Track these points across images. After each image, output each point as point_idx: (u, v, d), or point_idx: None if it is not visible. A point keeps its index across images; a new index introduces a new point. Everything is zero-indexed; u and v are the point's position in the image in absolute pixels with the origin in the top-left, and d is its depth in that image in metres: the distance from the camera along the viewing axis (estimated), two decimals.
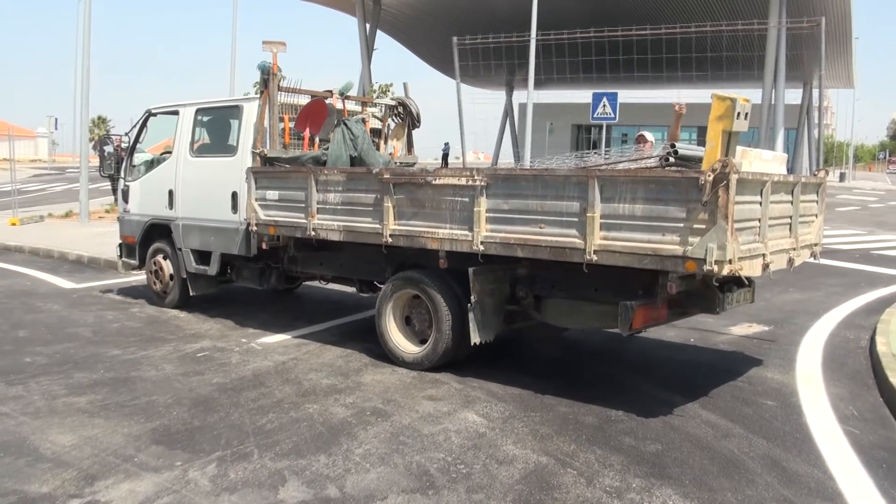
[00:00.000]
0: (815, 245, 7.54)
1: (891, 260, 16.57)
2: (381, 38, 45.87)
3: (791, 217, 6.86)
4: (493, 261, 7.11)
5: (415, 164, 10.56)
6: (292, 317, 10.07)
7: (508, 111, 57.80)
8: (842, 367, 8.02)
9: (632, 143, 8.29)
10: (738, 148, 6.25)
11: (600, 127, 22.93)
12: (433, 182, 7.22)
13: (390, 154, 10.42)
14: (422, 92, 11.06)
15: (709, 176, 5.54)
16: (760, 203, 6.16)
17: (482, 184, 6.81)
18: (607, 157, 8.11)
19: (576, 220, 6.29)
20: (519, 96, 51.93)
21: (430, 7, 42.53)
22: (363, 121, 9.70)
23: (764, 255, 6.26)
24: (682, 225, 5.77)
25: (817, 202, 7.56)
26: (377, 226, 7.67)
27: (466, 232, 6.98)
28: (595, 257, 6.20)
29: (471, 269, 7.10)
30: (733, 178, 5.51)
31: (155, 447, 5.54)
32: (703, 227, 5.65)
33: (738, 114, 5.87)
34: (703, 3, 35.95)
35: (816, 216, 7.57)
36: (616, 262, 6.15)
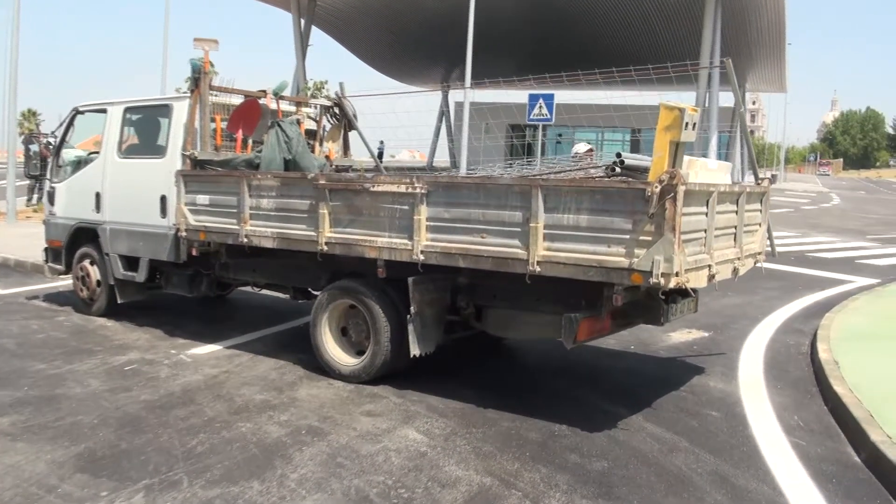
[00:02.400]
0: (759, 254, 7.49)
1: (826, 262, 16.81)
2: (316, 35, 45.30)
3: (736, 227, 6.78)
4: (433, 270, 6.89)
5: (352, 166, 10.29)
6: (224, 325, 9.71)
7: (444, 110, 57.54)
8: (784, 375, 7.99)
9: (566, 144, 8.17)
10: (685, 158, 6.13)
11: (536, 127, 22.90)
12: (371, 189, 6.98)
13: (326, 156, 10.13)
14: (358, 90, 10.75)
15: (656, 187, 5.40)
16: (707, 214, 6.05)
17: (422, 191, 6.60)
18: (552, 165, 7.97)
19: (519, 230, 6.11)
20: (455, 95, 51.73)
21: (366, 4, 42.18)
22: (298, 122, 9.40)
23: (710, 265, 6.15)
24: (628, 236, 5.64)
25: (761, 211, 7.51)
26: (312, 233, 7.40)
27: (406, 241, 6.76)
28: (538, 268, 6.02)
29: (410, 279, 6.87)
30: (681, 189, 5.38)
31: (80, 475, 5.19)
32: (650, 238, 5.52)
33: (687, 124, 5.74)
34: (637, 6, 36.26)
35: (760, 225, 7.52)
36: (560, 273, 5.99)
